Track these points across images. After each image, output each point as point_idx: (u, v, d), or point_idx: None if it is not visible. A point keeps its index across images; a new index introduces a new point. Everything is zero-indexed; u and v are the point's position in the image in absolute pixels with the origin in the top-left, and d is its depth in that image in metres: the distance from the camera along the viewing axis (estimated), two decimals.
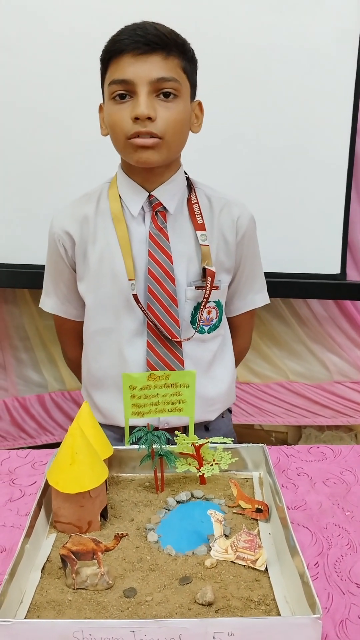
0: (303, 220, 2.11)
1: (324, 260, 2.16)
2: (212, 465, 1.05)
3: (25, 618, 0.76)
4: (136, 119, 1.09)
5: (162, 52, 1.09)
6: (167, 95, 1.11)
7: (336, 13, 1.92)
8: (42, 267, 2.10)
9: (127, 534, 0.84)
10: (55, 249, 1.28)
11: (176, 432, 1.07)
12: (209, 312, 1.27)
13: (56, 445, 1.02)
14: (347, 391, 2.60)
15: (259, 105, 1.99)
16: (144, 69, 1.08)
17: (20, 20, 1.93)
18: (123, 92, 1.11)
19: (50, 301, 1.37)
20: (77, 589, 0.81)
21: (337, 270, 2.16)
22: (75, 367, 1.46)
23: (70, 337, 1.41)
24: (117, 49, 1.10)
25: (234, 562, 0.85)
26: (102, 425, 1.33)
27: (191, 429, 1.13)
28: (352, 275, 2.31)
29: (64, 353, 1.50)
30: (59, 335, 1.46)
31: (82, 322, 1.34)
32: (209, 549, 0.88)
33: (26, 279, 2.16)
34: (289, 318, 2.49)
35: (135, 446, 1.06)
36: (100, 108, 1.21)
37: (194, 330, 1.25)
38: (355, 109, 2.00)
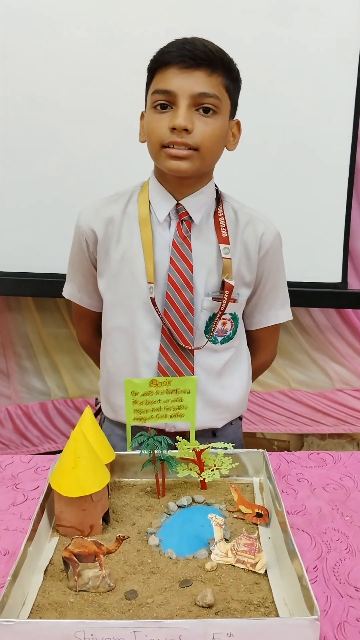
0: (304, 229, 2.13)
1: (325, 269, 2.18)
2: (213, 470, 1.06)
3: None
4: (173, 129, 1.12)
5: (208, 69, 1.12)
6: (206, 110, 1.13)
7: (336, 24, 1.95)
8: (47, 275, 2.13)
9: (128, 537, 0.85)
10: (79, 242, 1.31)
11: (177, 437, 1.08)
12: (224, 324, 1.28)
13: (59, 453, 1.03)
14: (349, 399, 2.61)
15: (260, 114, 2.00)
16: (188, 83, 1.11)
17: (35, 36, 1.98)
18: (164, 102, 1.13)
19: (68, 287, 1.41)
20: (79, 591, 0.82)
21: (338, 279, 2.18)
22: (86, 348, 1.52)
23: (83, 322, 1.45)
24: (164, 60, 1.13)
25: (234, 566, 0.86)
26: (111, 421, 1.37)
27: (192, 435, 1.14)
28: (354, 284, 2.32)
29: (78, 336, 1.55)
30: (73, 317, 1.51)
31: (96, 312, 1.38)
32: (210, 553, 0.89)
33: (30, 287, 2.19)
34: (291, 327, 2.51)
35: (137, 451, 1.08)
36: (142, 116, 1.24)
37: (207, 340, 1.27)
38: (355, 119, 2.03)
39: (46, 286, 2.14)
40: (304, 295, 2.18)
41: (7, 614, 0.74)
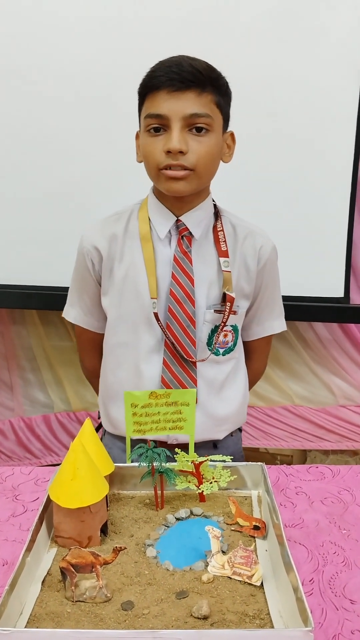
0: (306, 244, 2.14)
1: (327, 283, 2.20)
2: (211, 483, 1.07)
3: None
4: (168, 152, 1.14)
5: (197, 89, 1.14)
6: (199, 130, 1.15)
7: (339, 40, 1.97)
8: (52, 288, 2.15)
9: (125, 547, 0.86)
10: (84, 263, 1.32)
11: (176, 449, 1.09)
12: (225, 336, 1.31)
13: (58, 466, 1.05)
14: (352, 415, 2.60)
15: (262, 128, 2.04)
16: (178, 105, 1.13)
17: (41, 52, 2.02)
18: (158, 125, 1.16)
19: (73, 311, 1.42)
20: (76, 601, 0.83)
21: (340, 293, 2.19)
22: (92, 376, 1.51)
23: (89, 347, 1.46)
24: (153, 84, 1.15)
25: (230, 578, 0.87)
26: (112, 435, 1.38)
27: (191, 447, 1.14)
28: (356, 299, 2.33)
29: (82, 362, 1.54)
30: (78, 344, 1.52)
31: (102, 334, 1.39)
32: (206, 565, 0.89)
33: (36, 300, 2.21)
34: (294, 341, 2.52)
35: (136, 463, 1.08)
36: (137, 136, 1.26)
37: (210, 352, 1.28)
38: (358, 133, 2.05)
39: (51, 299, 2.15)
40: (307, 309, 2.20)
41: (4, 623, 0.75)
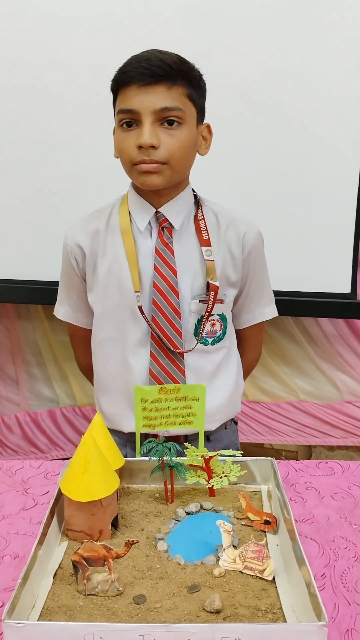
0: (313, 239, 2.13)
1: (334, 279, 2.18)
2: (221, 477, 1.07)
3: None
4: (140, 147, 1.15)
5: (167, 82, 1.14)
6: (170, 123, 1.16)
7: (349, 39, 1.96)
8: (57, 283, 2.14)
9: (137, 541, 0.86)
10: (68, 261, 1.34)
11: (186, 444, 1.09)
12: (213, 325, 1.30)
13: (66, 460, 1.05)
14: (358, 411, 2.60)
15: (269, 122, 2.02)
16: (149, 100, 1.14)
17: (33, 44, 2.00)
18: (129, 120, 1.17)
19: (62, 309, 1.44)
20: (88, 594, 0.83)
21: (347, 289, 2.18)
22: (87, 372, 1.52)
23: (81, 343, 1.46)
24: (123, 80, 1.16)
25: (241, 572, 0.87)
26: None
27: (201, 442, 1.15)
28: None
29: (77, 358, 1.55)
30: (71, 341, 1.52)
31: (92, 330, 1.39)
32: (218, 559, 0.89)
33: (41, 295, 2.20)
34: (299, 336, 2.51)
35: (146, 458, 1.08)
36: (114, 131, 1.26)
37: (196, 342, 1.28)
38: None
39: (56, 294, 2.15)
40: (313, 305, 2.19)
41: (17, 616, 0.75)
